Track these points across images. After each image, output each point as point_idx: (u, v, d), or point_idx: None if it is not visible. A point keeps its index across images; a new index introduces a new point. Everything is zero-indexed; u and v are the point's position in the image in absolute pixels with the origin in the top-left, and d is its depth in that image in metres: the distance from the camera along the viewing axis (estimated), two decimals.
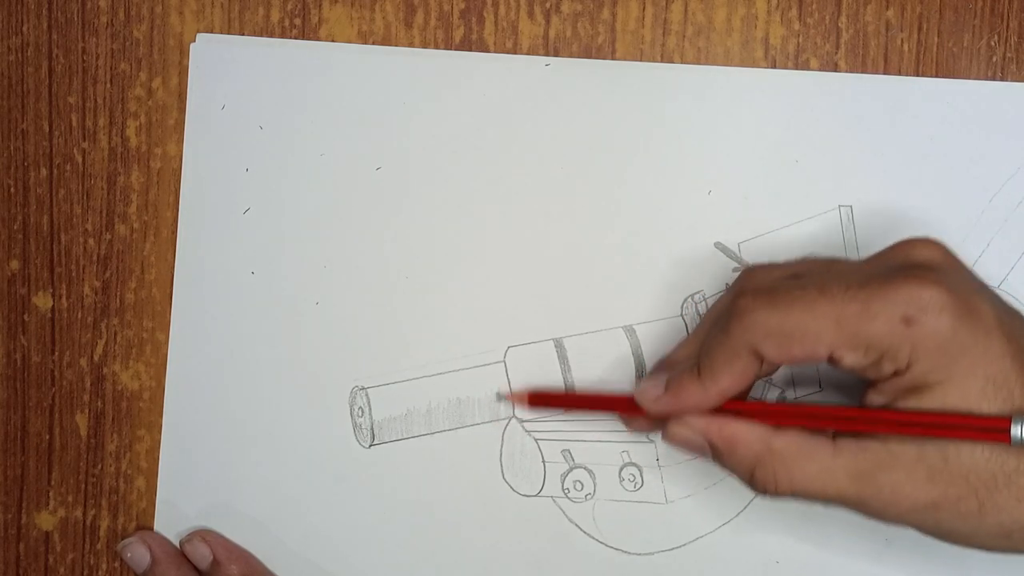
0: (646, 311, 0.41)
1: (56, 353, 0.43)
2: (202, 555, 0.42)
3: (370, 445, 0.42)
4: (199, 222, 0.43)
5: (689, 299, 0.41)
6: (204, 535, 0.42)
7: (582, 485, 0.41)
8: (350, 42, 0.42)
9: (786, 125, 0.41)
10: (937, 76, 0.41)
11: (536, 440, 0.41)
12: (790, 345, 0.34)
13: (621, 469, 0.41)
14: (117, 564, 0.43)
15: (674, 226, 0.41)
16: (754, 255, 0.41)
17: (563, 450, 0.41)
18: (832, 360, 0.34)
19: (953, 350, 0.32)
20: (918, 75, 0.41)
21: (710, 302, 0.41)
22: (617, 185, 0.41)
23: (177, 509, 0.43)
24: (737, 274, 0.40)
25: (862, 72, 0.41)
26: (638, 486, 0.41)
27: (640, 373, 0.41)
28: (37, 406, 0.43)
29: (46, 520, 0.44)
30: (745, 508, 0.41)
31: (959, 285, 0.33)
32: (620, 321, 0.41)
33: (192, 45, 0.42)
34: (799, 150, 0.41)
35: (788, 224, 0.41)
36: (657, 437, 0.40)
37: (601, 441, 0.41)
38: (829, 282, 0.34)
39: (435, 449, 0.42)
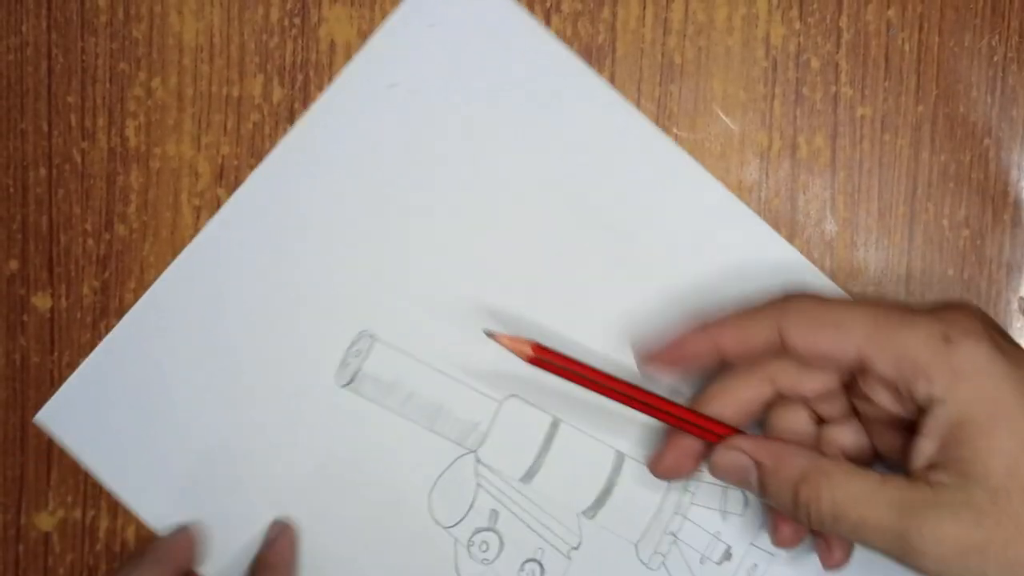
0: (643, 445, 0.41)
1: (55, 353, 0.43)
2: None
3: (343, 386, 0.42)
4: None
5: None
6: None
7: (487, 547, 0.41)
8: (350, 42, 0.42)
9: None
10: (938, 76, 0.41)
11: (479, 485, 0.41)
12: (819, 331, 0.34)
13: (525, 562, 0.41)
14: (116, 565, 0.43)
15: None
16: None
17: (493, 509, 0.41)
18: (860, 369, 0.34)
19: (991, 388, 0.31)
20: (918, 73, 0.41)
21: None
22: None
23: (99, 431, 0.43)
24: None
25: (863, 72, 0.41)
26: None
27: (602, 498, 0.41)
28: (36, 406, 0.43)
29: (45, 521, 0.44)
30: None
31: (1001, 339, 0.33)
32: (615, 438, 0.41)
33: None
34: None
35: None
36: (575, 556, 0.41)
37: (529, 526, 0.41)
38: (876, 300, 0.34)
39: (394, 430, 0.41)
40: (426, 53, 0.42)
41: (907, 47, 0.42)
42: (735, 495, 0.41)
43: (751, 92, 0.42)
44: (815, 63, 0.42)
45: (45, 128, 0.43)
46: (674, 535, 0.41)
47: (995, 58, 0.42)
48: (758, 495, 0.36)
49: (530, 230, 0.42)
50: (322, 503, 0.42)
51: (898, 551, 0.32)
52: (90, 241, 0.43)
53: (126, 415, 0.42)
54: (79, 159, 0.43)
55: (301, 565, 0.42)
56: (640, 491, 0.41)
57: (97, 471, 0.43)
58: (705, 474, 0.39)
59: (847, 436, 0.38)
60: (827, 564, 0.38)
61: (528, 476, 0.41)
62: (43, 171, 0.43)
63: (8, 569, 0.44)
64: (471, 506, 0.41)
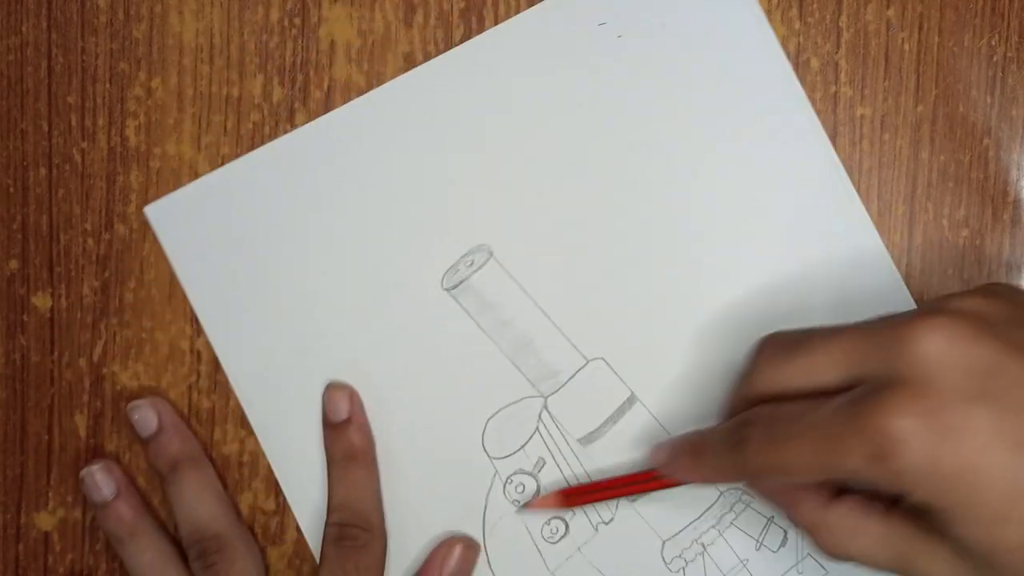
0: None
1: (55, 353, 0.43)
2: (146, 424, 0.42)
3: (447, 289, 0.42)
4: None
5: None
6: (154, 403, 0.42)
7: (523, 489, 0.41)
8: (350, 42, 0.42)
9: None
10: (938, 76, 0.41)
11: (537, 430, 0.41)
12: (778, 480, 0.35)
13: (553, 517, 0.41)
14: (116, 564, 0.43)
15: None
16: None
17: (541, 457, 0.41)
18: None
19: (943, 480, 0.30)
20: (918, 73, 0.41)
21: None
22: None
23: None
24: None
25: (863, 72, 0.41)
26: (558, 536, 0.42)
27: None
28: (36, 406, 0.43)
29: (45, 520, 0.44)
30: None
31: (950, 394, 0.31)
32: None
33: None
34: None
35: None
36: (602, 530, 0.41)
37: (570, 486, 0.42)
38: (811, 413, 0.33)
39: (479, 348, 0.42)
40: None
41: (907, 47, 0.42)
42: (775, 531, 0.41)
43: None
44: (815, 63, 0.42)
45: (45, 128, 0.43)
46: (704, 547, 0.41)
47: (995, 58, 0.42)
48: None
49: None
50: (387, 393, 0.42)
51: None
52: (90, 241, 0.43)
53: (231, 245, 0.42)
54: (79, 159, 0.43)
55: None
56: (690, 495, 0.41)
57: (186, 285, 0.43)
58: (755, 501, 0.40)
59: None
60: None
61: (588, 440, 0.41)
62: (43, 171, 0.43)
63: (8, 568, 0.44)
64: (522, 447, 0.41)
